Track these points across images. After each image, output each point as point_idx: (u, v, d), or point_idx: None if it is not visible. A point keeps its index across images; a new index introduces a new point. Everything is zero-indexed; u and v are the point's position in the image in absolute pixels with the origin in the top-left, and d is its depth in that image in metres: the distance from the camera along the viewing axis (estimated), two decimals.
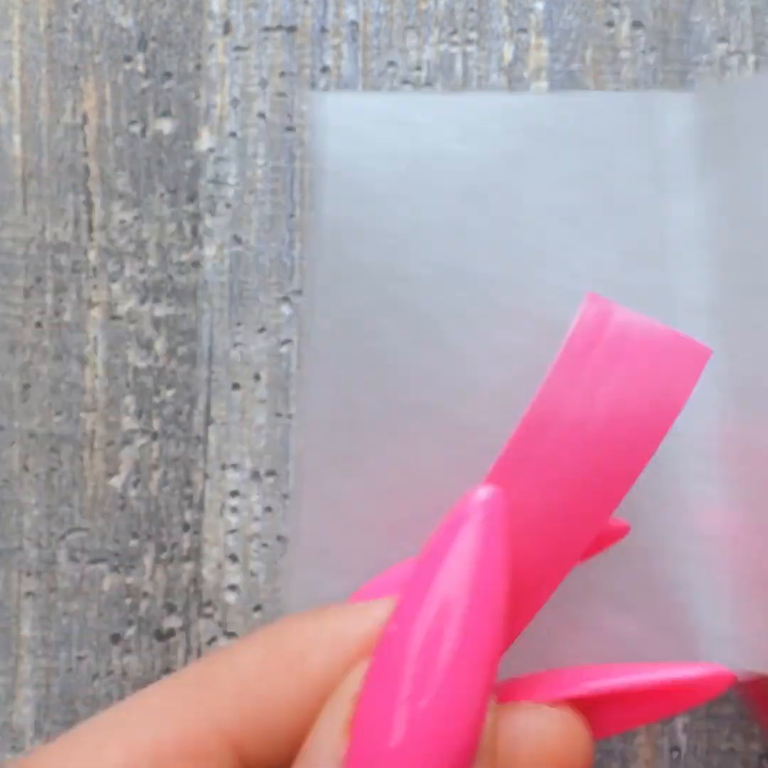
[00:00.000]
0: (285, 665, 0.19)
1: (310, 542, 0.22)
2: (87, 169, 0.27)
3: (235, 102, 0.27)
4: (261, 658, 0.19)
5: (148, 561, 0.27)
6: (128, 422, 0.27)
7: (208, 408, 0.27)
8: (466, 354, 0.22)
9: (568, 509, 0.20)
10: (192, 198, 0.27)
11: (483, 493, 0.19)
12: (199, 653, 0.27)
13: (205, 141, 0.27)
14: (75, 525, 0.27)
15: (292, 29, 0.27)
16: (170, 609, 0.27)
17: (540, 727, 0.20)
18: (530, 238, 0.22)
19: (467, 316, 0.22)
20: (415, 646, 0.18)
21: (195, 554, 0.27)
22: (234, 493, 0.27)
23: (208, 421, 0.27)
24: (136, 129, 0.27)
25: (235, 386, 0.27)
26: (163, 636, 0.27)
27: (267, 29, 0.27)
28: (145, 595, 0.27)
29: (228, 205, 0.27)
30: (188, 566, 0.27)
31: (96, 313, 0.27)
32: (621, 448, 0.20)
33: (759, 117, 0.21)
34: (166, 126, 0.27)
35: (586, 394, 0.20)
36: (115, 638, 0.27)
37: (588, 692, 0.20)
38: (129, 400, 0.27)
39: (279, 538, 0.27)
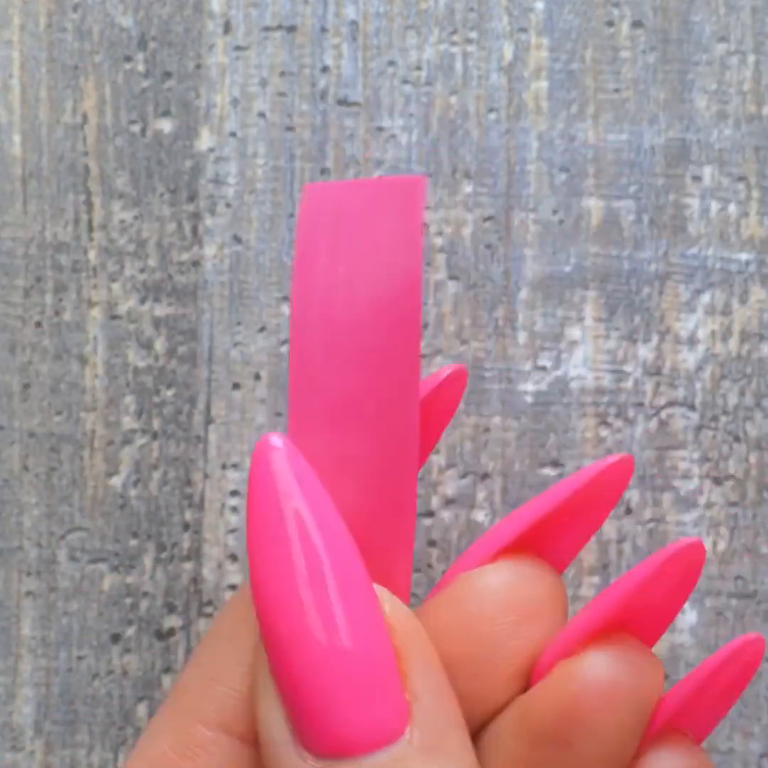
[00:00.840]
0: (230, 642, 0.21)
1: None
2: (87, 169, 0.27)
3: (235, 102, 0.27)
4: (211, 646, 0.21)
5: (148, 560, 0.27)
6: (128, 422, 0.27)
7: (208, 407, 0.27)
8: None
9: (379, 397, 0.20)
10: (192, 198, 0.27)
11: (273, 438, 0.20)
12: None
13: (205, 141, 0.27)
14: (75, 525, 0.27)
15: (292, 29, 0.27)
16: (170, 608, 0.27)
17: None
18: None
19: None
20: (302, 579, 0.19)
21: (195, 554, 0.27)
22: (234, 493, 0.27)
23: (209, 420, 0.27)
24: (136, 129, 0.27)
25: (236, 386, 0.27)
26: (163, 635, 0.27)
27: (267, 29, 0.27)
28: (146, 594, 0.27)
29: (228, 205, 0.27)
30: (188, 566, 0.27)
31: (96, 312, 0.27)
32: (389, 309, 0.20)
33: None
34: (166, 126, 0.27)
35: (333, 284, 0.20)
36: (115, 638, 0.27)
37: (530, 521, 0.21)
38: (129, 400, 0.27)
39: None
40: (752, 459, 0.27)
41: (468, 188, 0.27)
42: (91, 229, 0.27)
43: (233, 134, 0.27)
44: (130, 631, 0.27)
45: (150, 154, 0.27)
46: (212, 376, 0.27)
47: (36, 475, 0.27)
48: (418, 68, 0.27)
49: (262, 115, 0.27)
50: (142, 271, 0.27)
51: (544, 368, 0.27)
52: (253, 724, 0.20)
